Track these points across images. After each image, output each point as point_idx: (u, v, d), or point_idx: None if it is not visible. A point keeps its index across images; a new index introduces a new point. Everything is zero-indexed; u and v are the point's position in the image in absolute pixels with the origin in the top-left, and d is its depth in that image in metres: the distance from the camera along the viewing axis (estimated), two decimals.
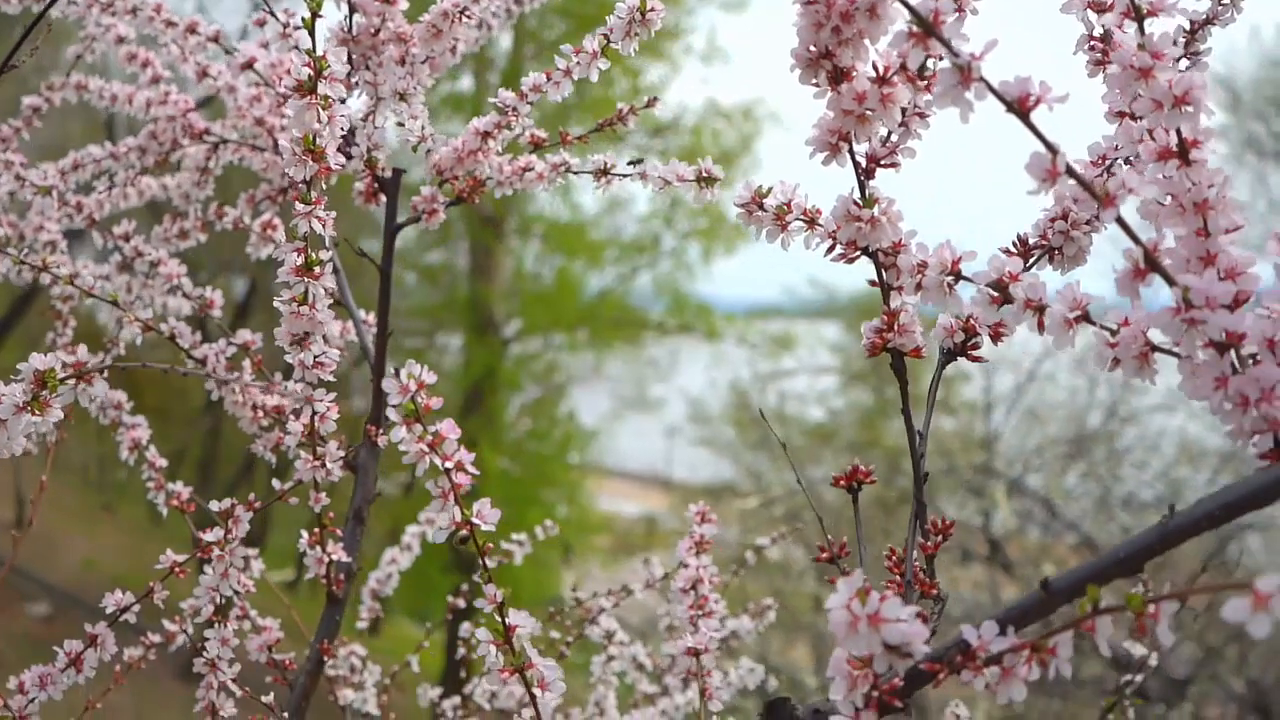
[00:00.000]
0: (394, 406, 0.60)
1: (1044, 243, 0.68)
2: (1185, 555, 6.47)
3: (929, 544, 0.62)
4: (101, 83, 1.26)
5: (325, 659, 0.98)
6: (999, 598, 6.78)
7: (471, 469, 0.62)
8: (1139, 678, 1.12)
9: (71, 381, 0.64)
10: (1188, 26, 0.73)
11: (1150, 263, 0.51)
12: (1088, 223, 0.66)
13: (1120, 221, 0.51)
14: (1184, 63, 0.72)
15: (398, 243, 0.98)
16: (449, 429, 0.62)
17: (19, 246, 1.21)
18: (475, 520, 0.62)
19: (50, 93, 1.31)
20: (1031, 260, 0.68)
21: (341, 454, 0.89)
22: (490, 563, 0.65)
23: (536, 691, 0.64)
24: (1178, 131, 0.53)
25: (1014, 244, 0.68)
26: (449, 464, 0.61)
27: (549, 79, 0.89)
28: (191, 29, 1.09)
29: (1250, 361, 0.52)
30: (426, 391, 0.61)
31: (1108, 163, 0.68)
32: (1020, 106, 0.50)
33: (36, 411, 0.67)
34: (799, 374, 10.00)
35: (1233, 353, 0.52)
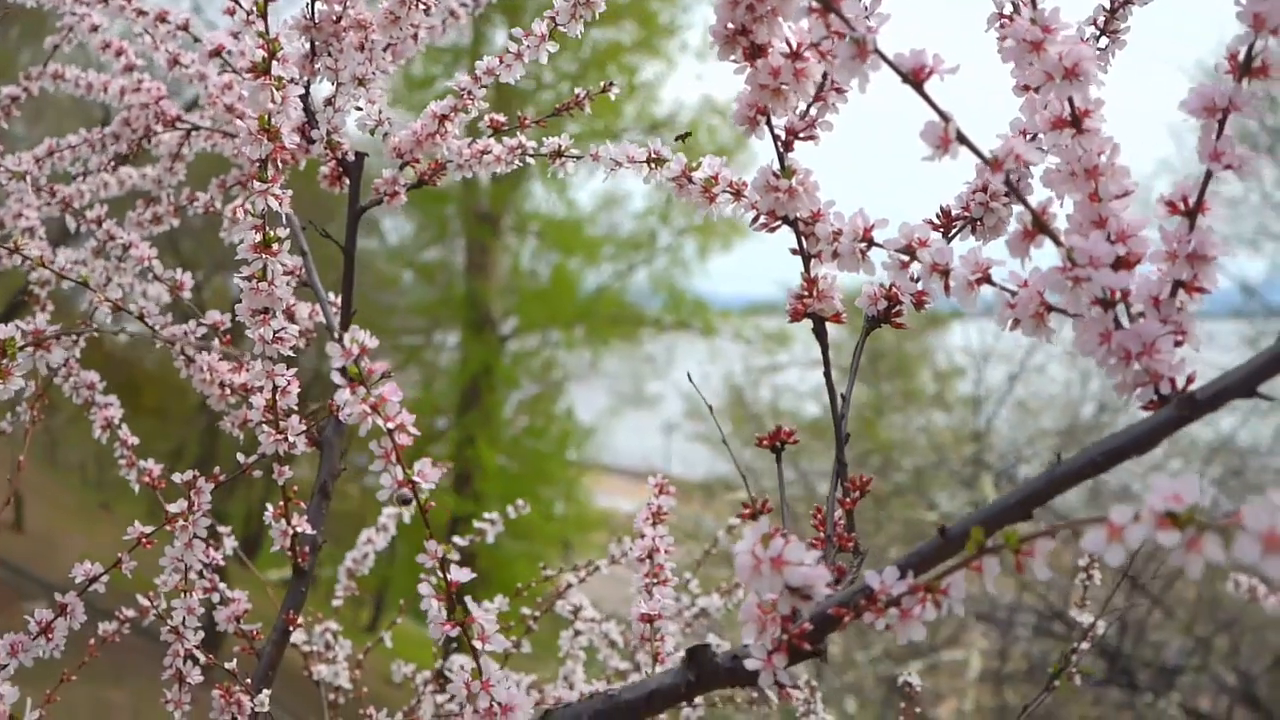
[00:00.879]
0: (337, 370, 0.63)
1: (965, 214, 0.71)
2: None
3: (848, 500, 0.65)
4: (78, 71, 1.29)
5: (291, 629, 1.01)
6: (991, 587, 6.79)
7: (413, 430, 0.65)
8: (1084, 645, 1.14)
9: (30, 349, 0.67)
10: (1108, 5, 0.76)
11: (1039, 224, 0.54)
12: (1006, 195, 0.69)
13: (1010, 186, 0.54)
14: (1104, 40, 0.75)
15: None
16: (391, 392, 0.65)
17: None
18: (416, 479, 0.65)
19: (28, 82, 1.34)
20: (954, 230, 0.71)
21: (303, 428, 0.92)
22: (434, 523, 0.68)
23: (477, 644, 0.67)
24: (1070, 101, 0.56)
25: (937, 215, 0.71)
26: (391, 425, 0.64)
27: (501, 62, 0.92)
28: (161, 18, 1.12)
29: (1140, 319, 0.55)
30: (370, 356, 0.64)
31: (1028, 136, 0.71)
32: (915, 77, 0.53)
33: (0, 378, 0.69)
34: (792, 368, 10.04)
35: (1122, 309, 0.55)
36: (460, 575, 0.67)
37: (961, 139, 0.53)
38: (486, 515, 1.40)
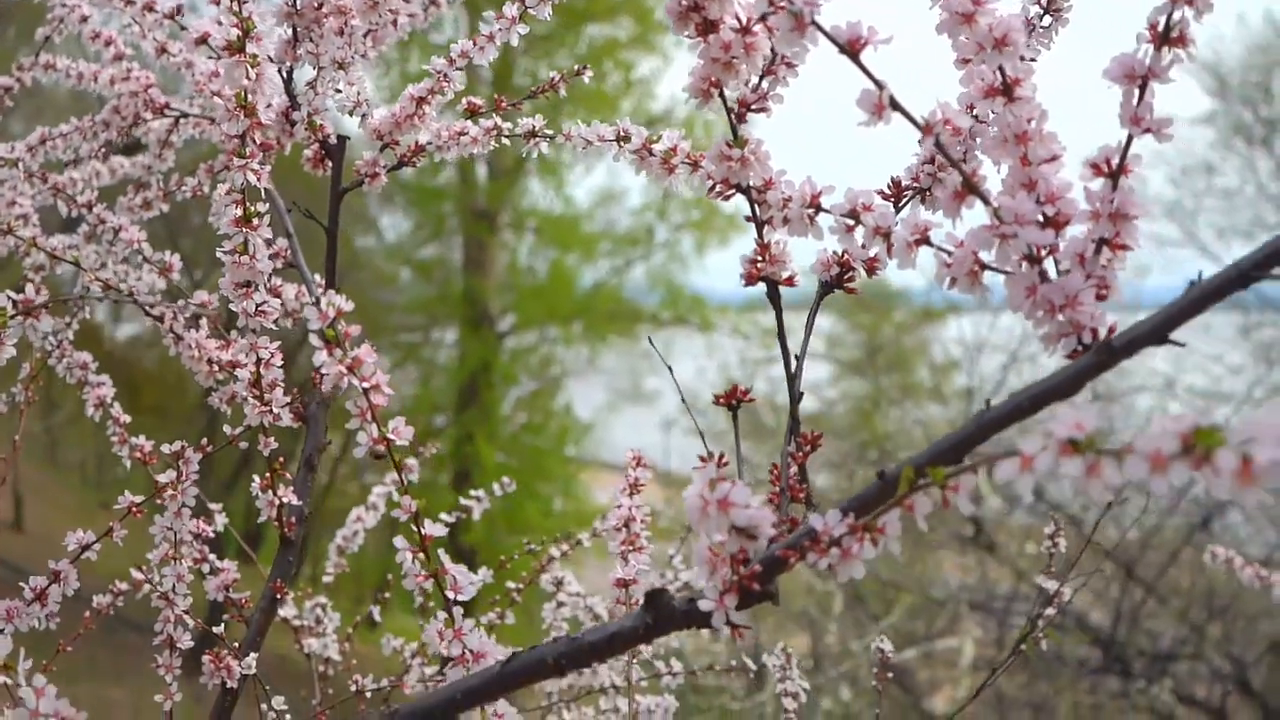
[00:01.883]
0: (314, 332, 0.67)
1: (915, 184, 0.74)
2: (1166, 538, 6.53)
3: (800, 454, 0.69)
4: (68, 62, 1.32)
5: (279, 596, 1.04)
6: (988, 577, 6.87)
7: (388, 390, 0.68)
8: (1051, 611, 1.18)
9: (20, 318, 0.70)
10: None
11: (968, 185, 0.57)
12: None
13: (940, 149, 0.57)
14: (1047, 19, 0.78)
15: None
16: (366, 353, 0.68)
17: None
18: (391, 436, 0.69)
19: (20, 73, 1.37)
20: (904, 200, 0.74)
21: (286, 400, 0.96)
22: (409, 477, 0.72)
23: (450, 594, 0.70)
24: (1000, 70, 0.59)
25: (887, 185, 0.74)
26: (367, 384, 0.68)
27: (475, 44, 0.96)
28: (149, 7, 1.15)
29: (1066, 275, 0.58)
30: (345, 320, 0.68)
31: (974, 110, 0.74)
32: (851, 48, 0.56)
33: None
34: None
35: (1051, 266, 0.59)
36: (435, 530, 0.71)
37: (895, 106, 0.56)
38: (473, 492, 1.43)
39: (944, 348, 9.97)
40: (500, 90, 1.04)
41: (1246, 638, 6.10)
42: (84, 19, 1.26)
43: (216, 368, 1.07)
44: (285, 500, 1.02)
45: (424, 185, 11.18)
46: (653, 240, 11.90)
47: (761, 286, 0.73)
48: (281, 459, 1.01)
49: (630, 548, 1.00)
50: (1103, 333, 0.56)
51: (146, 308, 1.05)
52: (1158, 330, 0.53)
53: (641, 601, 0.63)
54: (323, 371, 0.67)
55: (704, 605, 0.60)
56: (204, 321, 1.09)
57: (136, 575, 1.19)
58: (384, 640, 1.41)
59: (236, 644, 1.01)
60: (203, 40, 1.08)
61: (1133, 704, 5.87)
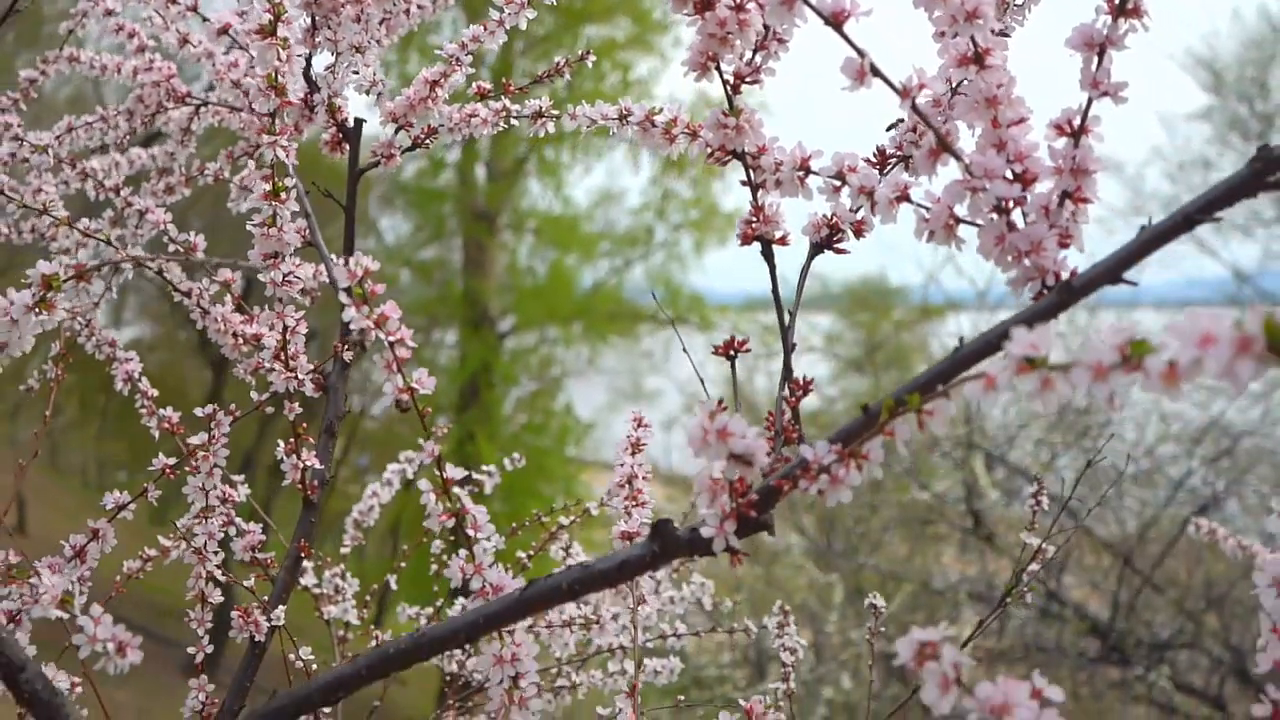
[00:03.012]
0: (344, 290, 0.72)
1: (899, 152, 0.79)
2: (1163, 529, 6.59)
3: (793, 399, 0.74)
4: (91, 54, 1.37)
5: (302, 556, 1.10)
6: (988, 569, 6.93)
7: (411, 343, 0.74)
8: (1034, 567, 1.24)
9: (73, 281, 0.76)
10: None
11: (942, 144, 0.63)
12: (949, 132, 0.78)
13: (916, 111, 0.63)
14: None
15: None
16: (391, 309, 0.74)
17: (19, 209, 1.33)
18: (415, 385, 0.74)
19: (45, 65, 1.43)
20: (889, 166, 0.80)
21: (310, 367, 1.01)
22: (437, 432, 0.78)
23: (471, 533, 0.76)
24: (972, 40, 0.65)
25: (874, 153, 0.80)
26: (393, 338, 0.73)
27: (485, 29, 1.01)
28: (172, 0, 1.21)
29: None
30: (372, 277, 0.73)
31: (954, 82, 0.80)
32: (835, 20, 0.62)
33: (43, 310, 0.78)
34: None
35: (1019, 217, 0.65)
36: (455, 473, 0.76)
37: (875, 72, 0.62)
38: (484, 467, 1.49)
39: (942, 343, 10.03)
40: (467, 86, 1.10)
41: (1244, 626, 6.15)
42: (109, 12, 1.31)
43: (241, 340, 1.12)
44: (308, 464, 1.07)
45: (423, 187, 11.25)
46: (652, 240, 11.97)
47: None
48: (304, 425, 1.07)
49: (633, 503, 1.06)
50: (1065, 276, 0.62)
51: (175, 284, 1.11)
52: (1112, 271, 0.58)
53: (649, 531, 0.69)
54: (351, 325, 0.73)
55: (705, 531, 0.66)
56: (228, 297, 1.14)
57: (165, 542, 1.25)
58: (399, 609, 1.46)
59: (262, 600, 1.07)
60: (224, 31, 1.14)
61: (1131, 693, 5.93)
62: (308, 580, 1.38)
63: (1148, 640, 6.01)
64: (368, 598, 1.44)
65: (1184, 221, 0.57)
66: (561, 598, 0.70)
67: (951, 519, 6.45)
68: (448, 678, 1.43)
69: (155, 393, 1.22)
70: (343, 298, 0.73)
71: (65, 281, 0.76)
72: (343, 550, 1.49)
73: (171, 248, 1.20)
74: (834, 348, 10.73)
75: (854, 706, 5.33)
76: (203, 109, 1.31)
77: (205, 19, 1.20)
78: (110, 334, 1.24)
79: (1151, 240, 0.57)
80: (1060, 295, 0.59)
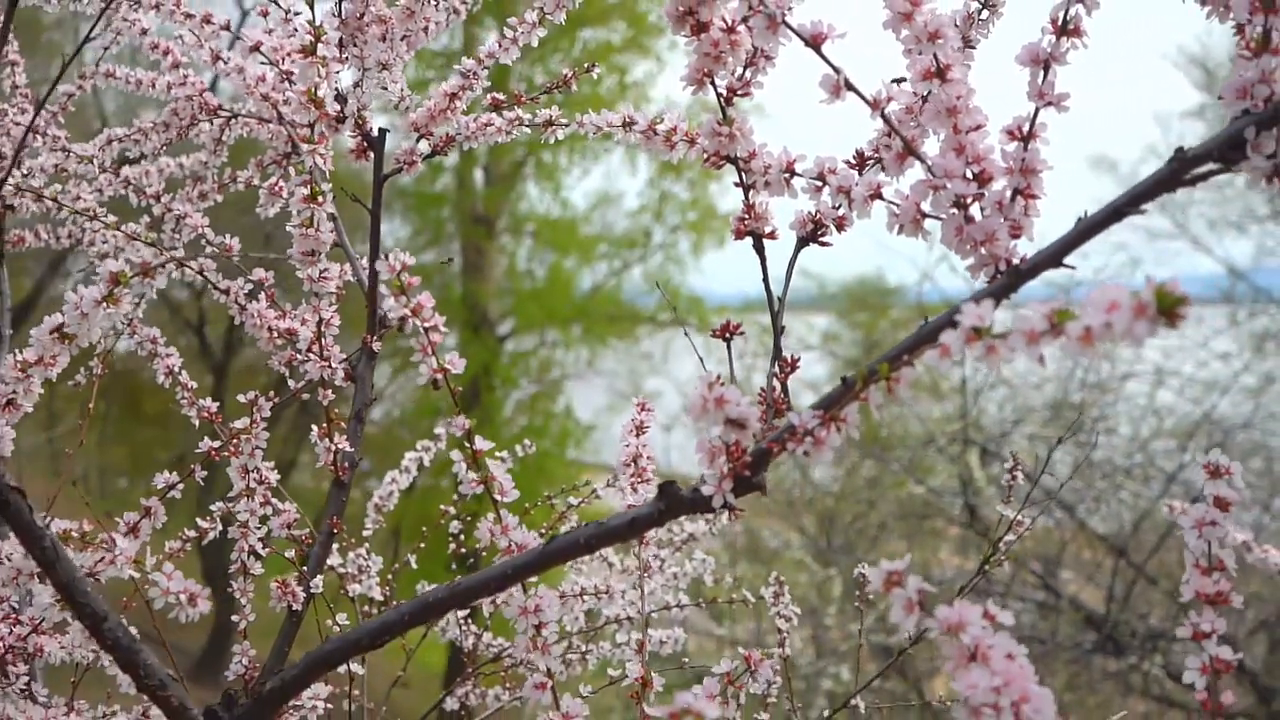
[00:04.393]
0: (384, 281, 0.82)
1: (875, 155, 0.89)
2: (1157, 521, 6.68)
3: (783, 374, 0.84)
4: (127, 70, 1.47)
5: (335, 531, 1.19)
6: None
7: (443, 329, 0.83)
8: (1010, 538, 1.33)
9: (139, 277, 0.85)
10: None
11: (908, 149, 0.72)
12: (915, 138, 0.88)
13: (885, 119, 0.72)
14: (984, 12, 0.93)
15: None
16: (426, 299, 0.83)
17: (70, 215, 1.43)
18: (447, 365, 0.84)
19: (82, 80, 1.52)
20: (867, 168, 0.89)
21: (344, 356, 1.11)
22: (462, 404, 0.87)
23: (497, 497, 0.86)
24: (935, 57, 0.74)
25: (853, 156, 0.89)
26: (427, 325, 0.83)
27: (500, 46, 1.11)
28: (206, 20, 1.30)
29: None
30: (409, 271, 0.83)
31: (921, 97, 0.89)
32: (814, 42, 0.72)
33: (110, 304, 0.88)
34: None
35: (977, 211, 0.74)
36: (484, 445, 0.86)
37: (849, 86, 0.72)
38: (498, 454, 1.58)
39: None
40: (482, 97, 1.20)
41: (1236, 616, 6.25)
42: (144, 31, 1.41)
43: (275, 334, 1.22)
44: (340, 447, 1.17)
45: (422, 191, 11.34)
46: (650, 242, 12.06)
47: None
48: (335, 411, 1.17)
49: (639, 479, 1.15)
50: (1015, 262, 0.72)
51: (214, 282, 1.20)
52: (1054, 257, 0.68)
53: (656, 491, 0.78)
54: (390, 314, 0.83)
55: (706, 490, 0.75)
56: (262, 295, 1.24)
57: (203, 524, 1.34)
58: (418, 586, 1.55)
59: (299, 571, 1.16)
60: (255, 48, 1.24)
61: (1125, 682, 6.02)
62: (333, 560, 1.47)
63: (1142, 631, 6.10)
64: (390, 576, 1.53)
65: (1114, 213, 0.66)
66: (579, 550, 0.79)
67: (948, 514, 6.54)
68: (464, 652, 1.52)
69: (194, 385, 1.32)
70: (383, 289, 0.82)
71: (132, 278, 0.85)
72: (364, 533, 1.58)
73: (208, 250, 1.29)
74: (831, 346, 10.82)
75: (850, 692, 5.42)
76: (233, 120, 1.40)
77: (238, 37, 1.29)
78: (151, 330, 1.34)
79: (1087, 230, 0.67)
80: (1010, 278, 0.68)
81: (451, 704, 1.59)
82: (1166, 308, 0.49)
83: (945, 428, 6.72)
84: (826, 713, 1.69)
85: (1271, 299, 8.54)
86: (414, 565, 1.60)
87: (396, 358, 11.00)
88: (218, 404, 1.22)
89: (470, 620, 1.58)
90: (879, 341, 10.75)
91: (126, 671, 0.79)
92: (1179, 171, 0.65)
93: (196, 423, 1.28)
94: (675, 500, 0.78)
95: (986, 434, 6.57)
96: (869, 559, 7.02)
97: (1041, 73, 0.73)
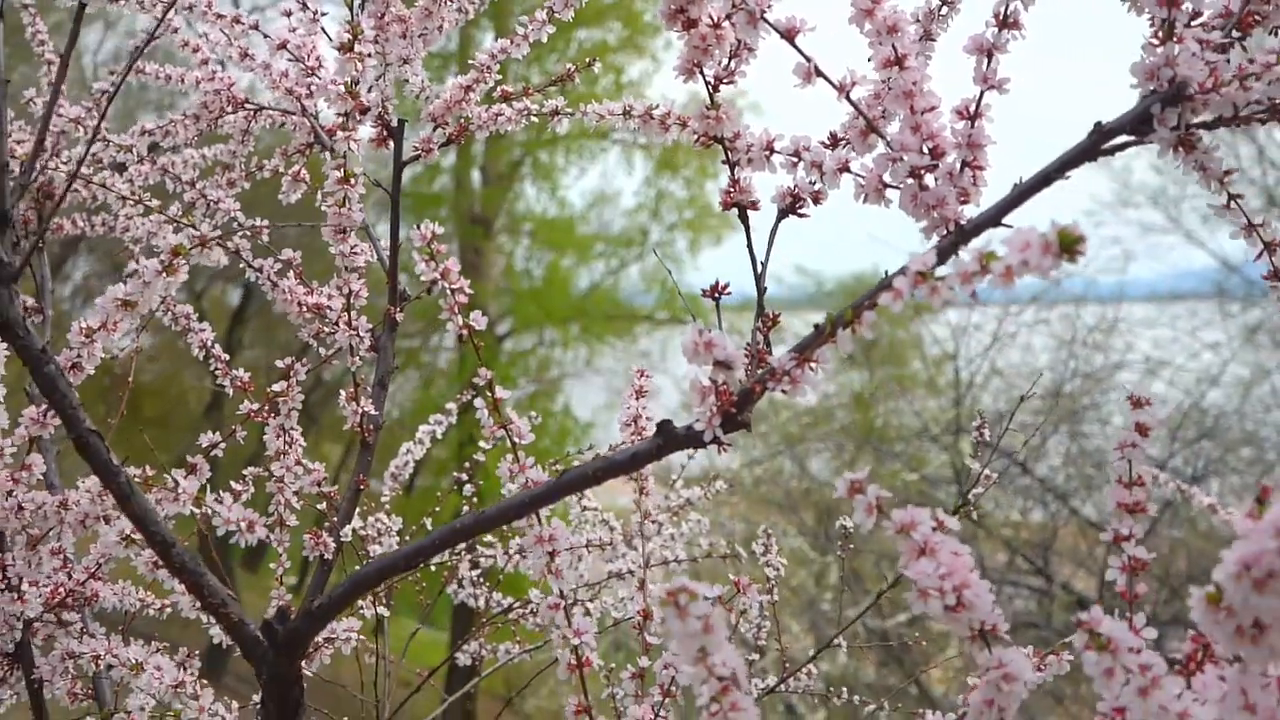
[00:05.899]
0: (417, 249, 0.93)
1: (846, 135, 1.00)
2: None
3: (764, 328, 0.95)
4: (158, 66, 1.58)
5: (361, 488, 1.30)
6: (980, 550, 7.15)
7: (468, 290, 0.94)
8: (980, 490, 1.44)
9: (197, 249, 0.96)
10: None
11: (870, 127, 0.84)
12: (881, 118, 0.99)
13: (850, 102, 0.84)
14: (945, 8, 1.05)
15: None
16: (453, 264, 0.94)
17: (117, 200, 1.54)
18: (472, 323, 0.95)
19: (113, 78, 1.63)
20: (839, 146, 1.00)
21: (370, 326, 1.22)
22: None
23: (516, 439, 0.97)
24: (894, 47, 0.86)
25: (828, 136, 1.01)
26: (454, 287, 0.94)
27: (511, 43, 1.22)
28: (236, 20, 1.41)
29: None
30: (438, 240, 0.94)
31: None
32: (789, 35, 0.83)
33: (170, 274, 0.99)
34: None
35: (931, 180, 0.85)
36: (503, 394, 0.97)
37: (819, 73, 0.83)
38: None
39: (934, 337, 10.25)
40: (492, 90, 1.31)
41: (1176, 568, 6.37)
42: (174, 30, 1.52)
43: (304, 308, 1.33)
44: (366, 410, 1.28)
45: (420, 193, 11.44)
46: (647, 240, 12.16)
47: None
48: (362, 379, 1.28)
49: (639, 437, 1.26)
50: (962, 223, 0.83)
51: (249, 261, 1.31)
52: (994, 217, 0.79)
53: (655, 429, 0.89)
54: (422, 276, 0.94)
55: (697, 426, 0.86)
56: (291, 272, 1.35)
57: (237, 486, 1.45)
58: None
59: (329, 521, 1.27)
60: (282, 46, 1.35)
61: None
62: (355, 523, 1.59)
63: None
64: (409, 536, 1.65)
65: (1044, 179, 0.78)
66: (589, 481, 0.90)
67: (942, 502, 6.66)
68: (479, 612, 1.64)
69: (227, 356, 1.43)
70: (416, 255, 0.93)
71: (190, 250, 0.97)
72: (383, 500, 1.69)
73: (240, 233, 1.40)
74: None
75: (850, 679, 5.54)
76: (259, 113, 1.51)
77: (266, 35, 1.40)
78: (185, 308, 1.45)
79: (1021, 194, 0.78)
80: (956, 236, 0.79)
81: (463, 659, 1.71)
82: (1068, 245, 0.60)
83: (941, 417, 6.84)
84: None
85: (1263, 292, 8.67)
86: (430, 526, 1.71)
87: (396, 358, 11.11)
88: (293, 358, 1.32)
89: (484, 580, 1.69)
90: (875, 338, 10.88)
91: (191, 592, 0.90)
92: (1098, 142, 0.77)
93: (231, 391, 1.39)
94: (671, 437, 0.89)
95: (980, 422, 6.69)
96: (865, 549, 7.13)
97: (985, 60, 0.84)
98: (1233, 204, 0.81)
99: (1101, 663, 0.64)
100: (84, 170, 1.41)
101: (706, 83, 0.93)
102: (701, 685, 0.66)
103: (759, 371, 0.92)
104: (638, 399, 1.29)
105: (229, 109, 1.53)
